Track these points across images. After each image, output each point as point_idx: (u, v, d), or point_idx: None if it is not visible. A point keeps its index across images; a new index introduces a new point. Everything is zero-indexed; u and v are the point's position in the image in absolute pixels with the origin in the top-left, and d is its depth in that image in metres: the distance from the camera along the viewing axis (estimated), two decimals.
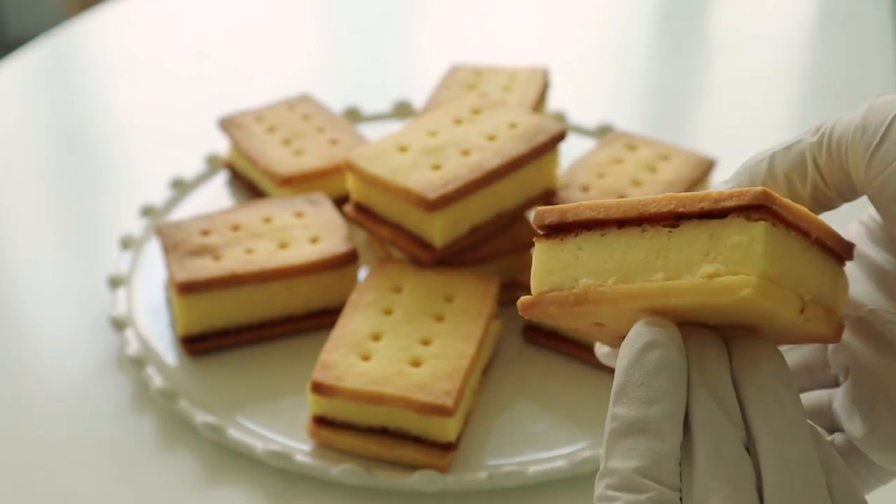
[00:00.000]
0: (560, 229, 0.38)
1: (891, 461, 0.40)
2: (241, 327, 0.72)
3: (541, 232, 0.39)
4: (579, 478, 0.64)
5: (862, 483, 0.41)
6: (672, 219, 0.36)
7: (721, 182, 0.41)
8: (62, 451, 0.67)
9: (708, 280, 0.34)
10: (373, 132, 0.91)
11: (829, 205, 0.40)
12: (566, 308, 0.37)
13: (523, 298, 0.39)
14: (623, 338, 0.36)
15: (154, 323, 0.74)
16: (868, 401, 0.40)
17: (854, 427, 0.40)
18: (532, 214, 0.39)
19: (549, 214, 0.38)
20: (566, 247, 0.38)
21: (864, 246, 0.41)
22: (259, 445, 0.64)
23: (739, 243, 0.34)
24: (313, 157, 0.84)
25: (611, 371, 0.39)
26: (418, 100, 0.98)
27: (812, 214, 0.36)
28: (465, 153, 0.72)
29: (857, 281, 0.40)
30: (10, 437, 0.68)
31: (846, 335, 0.41)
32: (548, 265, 0.38)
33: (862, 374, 0.40)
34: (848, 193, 0.39)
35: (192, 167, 0.91)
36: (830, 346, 0.42)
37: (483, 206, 0.72)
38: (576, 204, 0.38)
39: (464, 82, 0.91)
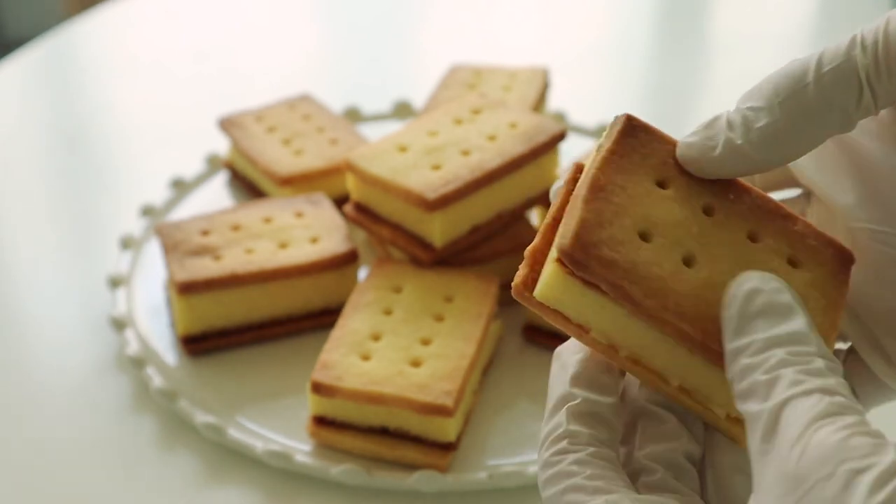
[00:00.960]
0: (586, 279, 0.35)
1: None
2: (241, 327, 0.72)
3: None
4: None
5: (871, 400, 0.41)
6: (700, 349, 0.35)
7: (747, 107, 0.37)
8: (62, 451, 0.67)
9: (723, 420, 0.37)
10: (373, 132, 0.91)
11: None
12: (564, 329, 0.37)
13: (521, 286, 0.37)
14: (612, 346, 0.37)
15: (154, 323, 0.74)
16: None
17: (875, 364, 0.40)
18: (559, 239, 0.35)
19: (576, 258, 0.34)
20: (588, 294, 0.36)
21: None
22: (259, 445, 0.64)
23: None
24: (313, 157, 0.84)
25: None
26: (418, 100, 0.98)
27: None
28: (465, 153, 0.72)
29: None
30: (10, 437, 0.68)
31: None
32: (562, 295, 0.36)
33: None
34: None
35: (192, 167, 0.91)
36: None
37: (483, 206, 0.72)
38: (610, 258, 0.35)
39: (464, 82, 0.91)
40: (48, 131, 1.04)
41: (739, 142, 0.37)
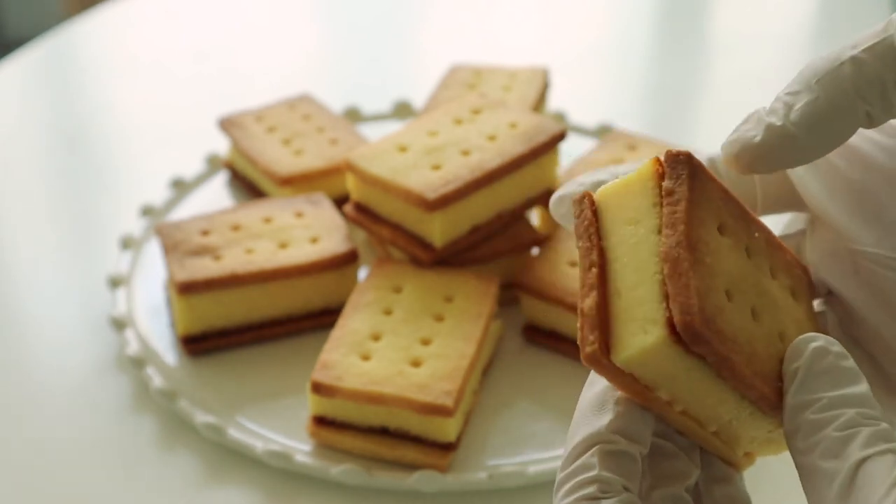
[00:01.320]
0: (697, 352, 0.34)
1: None
2: (241, 327, 0.72)
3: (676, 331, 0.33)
4: None
5: None
6: (768, 406, 0.36)
7: (786, 93, 0.37)
8: (62, 451, 0.67)
9: (739, 455, 0.38)
10: (373, 132, 0.91)
11: None
12: (626, 390, 0.36)
13: (599, 353, 0.34)
14: (670, 402, 0.36)
15: (154, 323, 0.74)
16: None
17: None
18: (680, 312, 0.33)
19: (700, 334, 0.33)
20: (682, 361, 0.34)
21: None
22: (259, 445, 0.64)
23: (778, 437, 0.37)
24: (313, 157, 0.84)
25: None
26: (418, 100, 0.98)
27: None
28: (465, 153, 0.72)
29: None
30: (10, 437, 0.68)
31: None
32: (653, 363, 0.34)
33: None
34: None
35: (192, 167, 0.91)
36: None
37: (483, 206, 0.72)
38: (726, 331, 0.33)
39: (464, 82, 0.91)
40: (48, 131, 1.04)
41: (780, 123, 0.36)
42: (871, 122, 0.36)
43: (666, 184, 0.35)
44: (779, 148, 0.37)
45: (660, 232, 0.34)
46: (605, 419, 0.35)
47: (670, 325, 0.33)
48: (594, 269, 0.35)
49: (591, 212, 0.36)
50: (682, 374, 0.34)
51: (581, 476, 0.34)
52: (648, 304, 0.34)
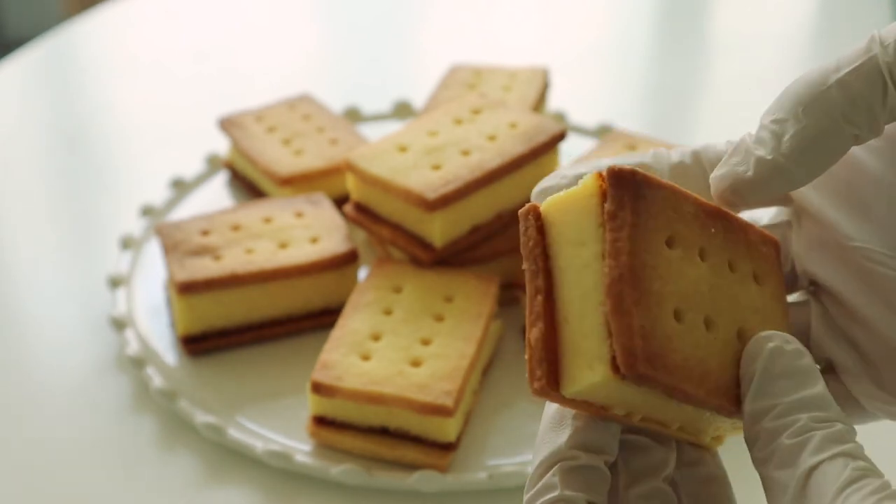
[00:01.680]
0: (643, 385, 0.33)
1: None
2: (241, 327, 0.72)
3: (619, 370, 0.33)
4: None
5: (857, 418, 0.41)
6: (727, 413, 0.35)
7: (771, 120, 0.37)
8: (62, 451, 0.67)
9: (707, 440, 0.38)
10: (373, 132, 0.91)
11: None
12: (583, 410, 0.35)
13: (547, 387, 0.34)
14: (628, 415, 0.36)
15: (154, 323, 0.74)
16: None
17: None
18: (622, 355, 0.32)
19: (644, 374, 0.32)
20: (632, 387, 0.33)
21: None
22: (259, 445, 0.64)
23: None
24: (313, 157, 0.84)
25: None
26: (418, 100, 0.98)
27: None
28: (465, 153, 0.72)
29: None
30: (10, 437, 0.68)
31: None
32: (603, 393, 0.34)
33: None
34: None
35: (192, 167, 0.91)
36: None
37: (483, 206, 0.72)
38: (672, 363, 0.33)
39: (464, 82, 0.91)
40: (48, 131, 1.04)
41: (770, 157, 0.36)
42: (858, 142, 0.36)
43: (608, 207, 0.34)
44: (770, 181, 0.37)
45: (604, 258, 0.33)
46: (564, 436, 0.35)
47: (615, 364, 0.32)
48: (539, 297, 0.34)
49: (535, 229, 0.35)
50: (635, 397, 0.34)
51: (544, 497, 0.34)
52: (594, 340, 0.33)
